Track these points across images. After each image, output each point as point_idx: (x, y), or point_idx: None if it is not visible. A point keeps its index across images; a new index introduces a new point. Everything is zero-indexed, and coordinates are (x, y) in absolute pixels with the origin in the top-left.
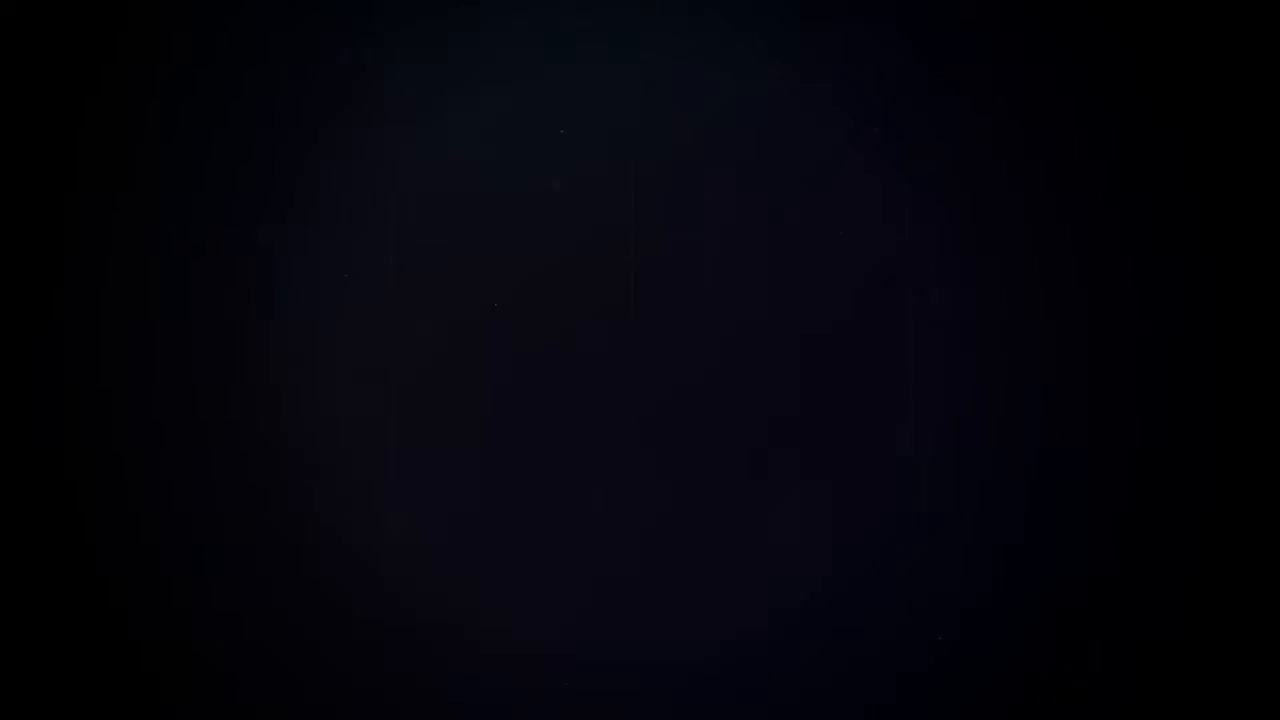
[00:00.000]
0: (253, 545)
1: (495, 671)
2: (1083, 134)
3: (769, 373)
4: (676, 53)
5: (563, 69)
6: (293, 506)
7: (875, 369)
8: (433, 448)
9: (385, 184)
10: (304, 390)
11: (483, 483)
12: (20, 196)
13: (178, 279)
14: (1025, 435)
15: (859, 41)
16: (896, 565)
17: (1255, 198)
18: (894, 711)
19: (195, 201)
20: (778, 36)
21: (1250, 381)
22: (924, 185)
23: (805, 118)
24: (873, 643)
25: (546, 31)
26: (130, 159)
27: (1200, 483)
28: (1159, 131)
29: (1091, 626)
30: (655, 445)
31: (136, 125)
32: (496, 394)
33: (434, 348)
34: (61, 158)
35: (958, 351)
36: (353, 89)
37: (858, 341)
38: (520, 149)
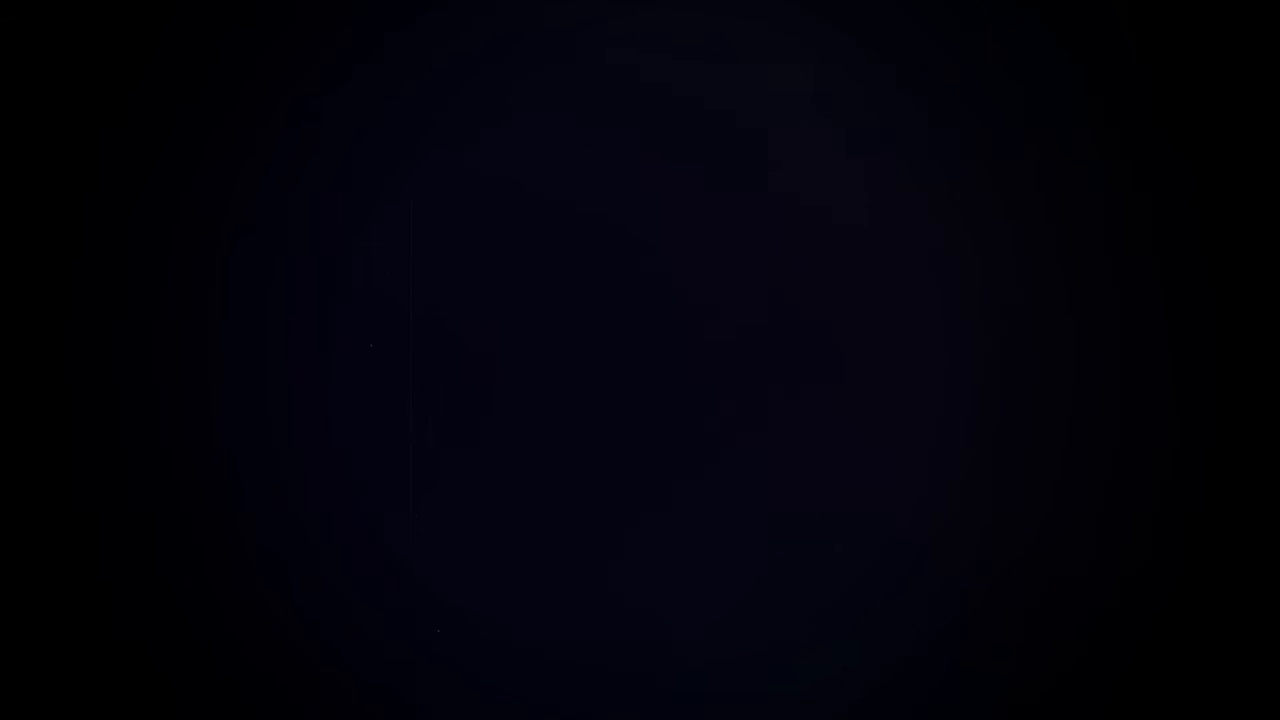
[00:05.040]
0: (257, 544)
1: (504, 669)
2: (1083, 133)
3: (773, 373)
4: (680, 52)
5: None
6: (300, 506)
7: (875, 370)
8: (446, 447)
9: (397, 185)
10: (317, 390)
11: (493, 483)
12: (28, 196)
13: (182, 278)
14: (1025, 436)
15: (859, 40)
16: (895, 567)
17: (1257, 198)
18: (896, 712)
19: (197, 201)
20: (778, 34)
21: (1250, 382)
22: (922, 185)
23: (807, 117)
24: (873, 644)
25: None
26: (131, 159)
27: (1199, 483)
28: (1161, 131)
29: (1092, 627)
30: (661, 444)
31: (138, 125)
32: (506, 395)
33: (446, 349)
34: (62, 157)
35: (956, 352)
36: (359, 92)
37: (859, 343)
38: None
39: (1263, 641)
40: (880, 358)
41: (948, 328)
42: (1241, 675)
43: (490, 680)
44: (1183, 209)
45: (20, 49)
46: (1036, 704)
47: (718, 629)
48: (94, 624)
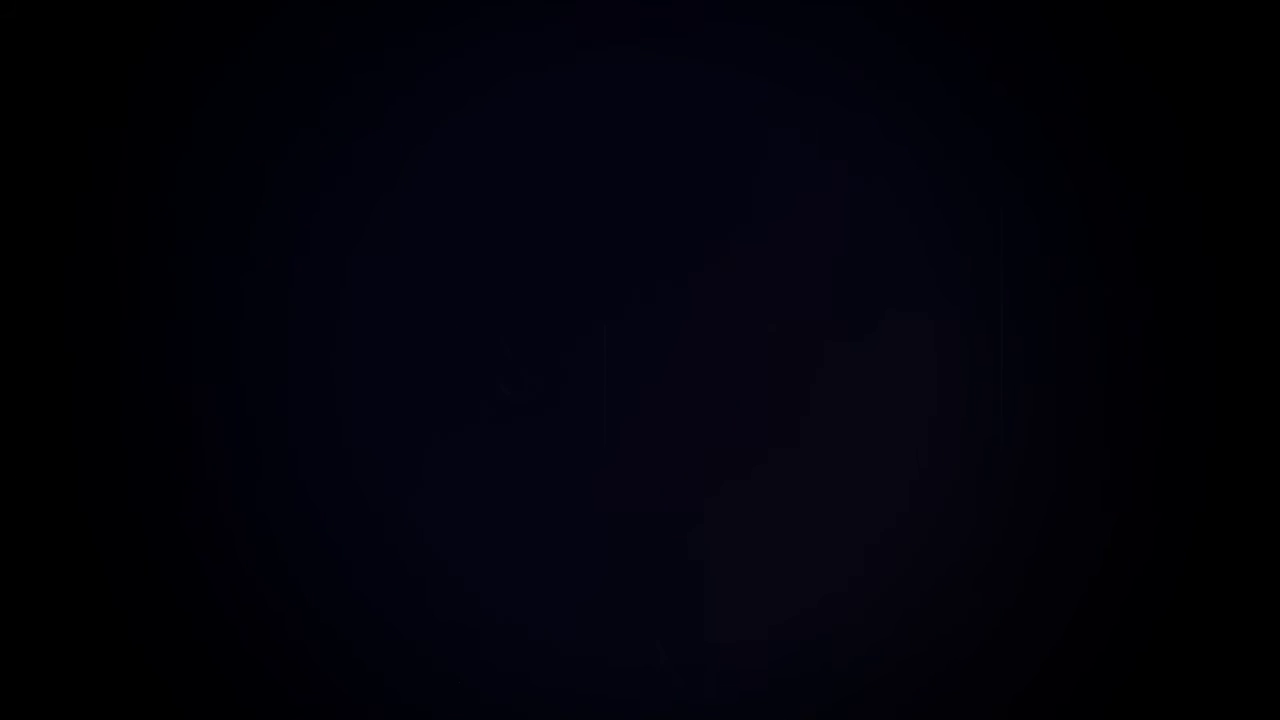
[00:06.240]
0: (257, 542)
1: (504, 668)
2: (1084, 133)
3: (775, 373)
4: (679, 53)
5: (565, 72)
6: (297, 505)
7: (877, 371)
8: (441, 444)
9: (397, 184)
10: (315, 388)
11: (490, 480)
12: (27, 196)
13: (178, 279)
14: (1025, 436)
15: (860, 43)
16: (895, 568)
17: (1258, 199)
18: (899, 711)
19: (197, 204)
20: (778, 35)
21: (1250, 381)
22: (924, 185)
23: (804, 119)
24: (875, 645)
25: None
26: (132, 160)
27: (1200, 483)
28: (1163, 132)
29: (1093, 627)
30: (662, 445)
31: (141, 127)
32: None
33: (444, 346)
34: (66, 158)
35: (957, 351)
36: (362, 92)
37: (861, 344)
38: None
39: (1263, 642)
40: (877, 357)
41: (942, 327)
42: (1242, 676)
43: (501, 679)
44: (1182, 208)
45: (12, 50)
46: (1036, 705)
47: (716, 625)
48: (95, 624)
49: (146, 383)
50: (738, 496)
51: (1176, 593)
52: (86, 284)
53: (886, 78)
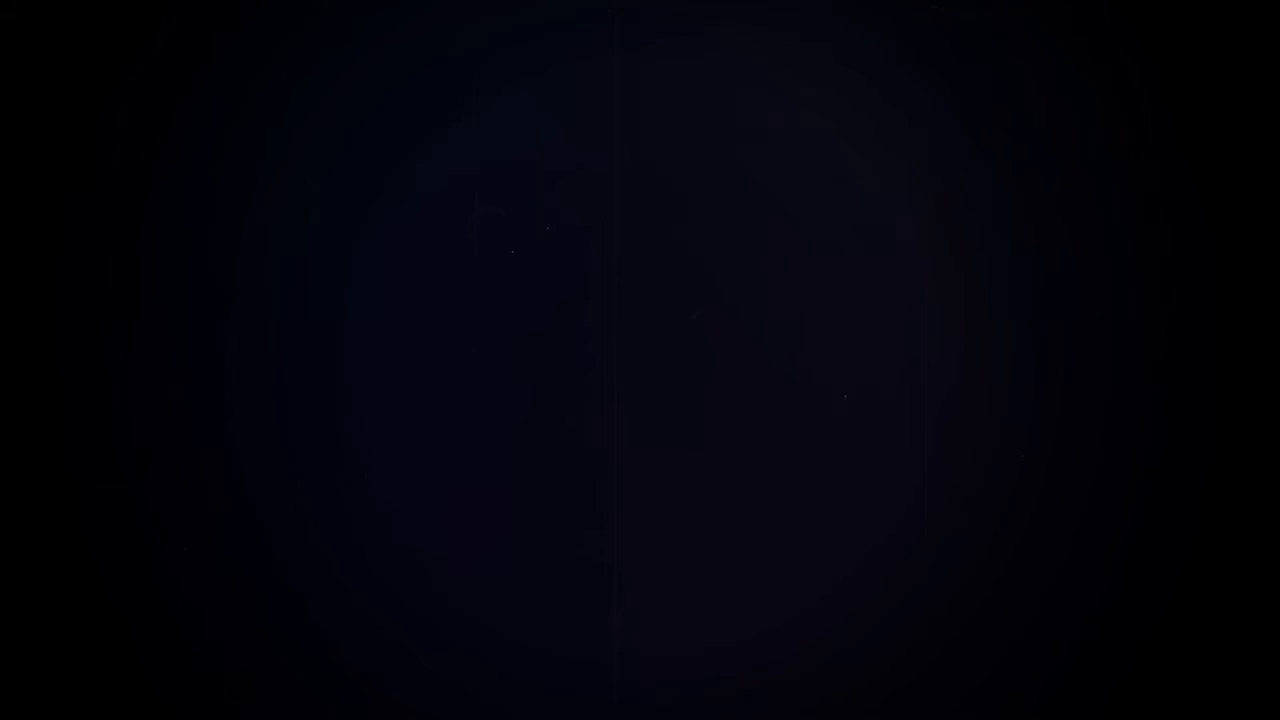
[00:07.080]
0: (250, 550)
1: (499, 673)
2: (1085, 132)
3: (774, 373)
4: (680, 48)
5: (565, 67)
6: (293, 509)
7: (877, 368)
8: (433, 448)
9: (391, 185)
10: (306, 394)
11: (487, 483)
12: (25, 195)
13: (179, 278)
14: (1025, 434)
15: (861, 36)
16: (894, 566)
17: (1258, 198)
18: (899, 712)
19: (203, 201)
20: (778, 31)
21: (1250, 381)
22: (924, 182)
23: (804, 112)
24: (873, 645)
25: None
26: (140, 158)
27: (1199, 482)
28: (1162, 131)
29: (1093, 626)
30: (660, 444)
31: (147, 124)
32: (495, 393)
33: (436, 348)
34: (65, 157)
35: (958, 350)
36: (357, 91)
37: (860, 341)
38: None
39: (1264, 642)
40: (879, 359)
41: (945, 328)
42: (1242, 677)
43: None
44: (1182, 208)
45: (3, 50)
46: (1035, 705)
47: (713, 624)
48: (95, 625)
49: (143, 383)
50: (737, 497)
51: (1176, 593)
52: (80, 283)
53: (885, 74)
